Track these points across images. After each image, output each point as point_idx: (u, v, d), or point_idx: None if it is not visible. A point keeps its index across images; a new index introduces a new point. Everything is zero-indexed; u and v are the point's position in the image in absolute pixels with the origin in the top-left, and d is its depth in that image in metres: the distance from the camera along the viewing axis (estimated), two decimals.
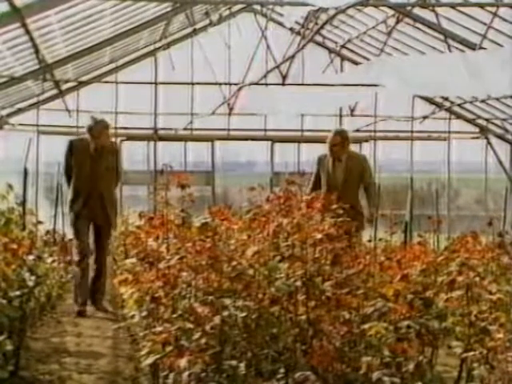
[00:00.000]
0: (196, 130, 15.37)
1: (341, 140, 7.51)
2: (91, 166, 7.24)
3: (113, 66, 14.64)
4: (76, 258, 7.25)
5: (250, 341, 3.27)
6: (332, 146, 7.52)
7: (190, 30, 14.37)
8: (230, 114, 14.78)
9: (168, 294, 3.19)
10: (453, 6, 9.31)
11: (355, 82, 10.89)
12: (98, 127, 7.25)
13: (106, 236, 7.45)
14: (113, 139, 7.85)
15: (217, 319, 2.95)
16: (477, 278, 3.59)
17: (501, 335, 3.12)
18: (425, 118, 14.84)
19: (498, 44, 9.88)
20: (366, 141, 15.75)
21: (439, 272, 3.89)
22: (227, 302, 3.18)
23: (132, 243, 3.92)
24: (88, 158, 7.25)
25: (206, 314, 2.95)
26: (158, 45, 14.66)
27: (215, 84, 13.91)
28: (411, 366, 3.00)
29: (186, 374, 2.35)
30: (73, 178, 7.33)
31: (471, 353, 3.14)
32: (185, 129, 15.05)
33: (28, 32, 9.32)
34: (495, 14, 8.87)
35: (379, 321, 3.25)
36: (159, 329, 2.75)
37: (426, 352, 3.57)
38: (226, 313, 3.05)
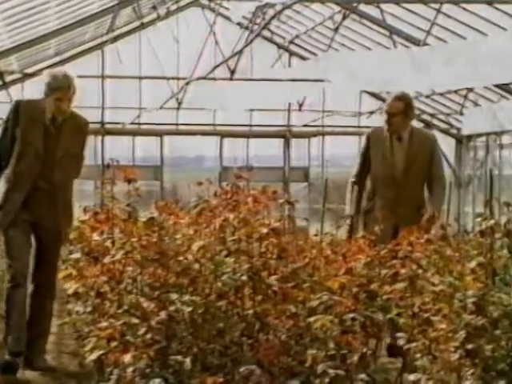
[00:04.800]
0: (144, 124, 15.26)
1: (404, 107, 5.38)
2: (44, 144, 4.80)
3: (58, 58, 14.44)
4: (8, 284, 4.78)
5: (197, 335, 3.28)
6: (391, 117, 5.37)
7: (137, 23, 14.26)
8: (178, 109, 14.72)
9: (113, 289, 3.17)
10: (398, 3, 9.44)
11: (303, 77, 10.97)
12: (62, 83, 4.86)
13: (55, 254, 4.83)
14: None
15: (163, 314, 2.95)
16: (420, 271, 3.65)
17: (443, 326, 3.18)
18: (371, 113, 15.01)
19: (442, 40, 10.06)
20: (315, 136, 15.86)
21: (383, 265, 3.95)
22: (173, 296, 3.18)
23: (76, 238, 3.88)
24: (40, 131, 4.81)
25: (152, 309, 2.94)
26: (104, 38, 14.51)
27: (163, 78, 13.84)
28: (355, 358, 3.05)
29: (130, 369, 2.34)
30: (11, 159, 4.81)
31: (414, 344, 3.20)
32: (133, 123, 14.94)
33: None
34: (439, 11, 9.02)
35: (325, 314, 3.29)
36: (104, 324, 2.73)
37: (371, 344, 3.62)
38: (172, 308, 3.05)
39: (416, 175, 5.36)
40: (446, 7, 9.04)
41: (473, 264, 3.34)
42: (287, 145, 15.85)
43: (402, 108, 5.38)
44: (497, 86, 10.87)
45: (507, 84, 10.31)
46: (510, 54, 6.58)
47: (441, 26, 9.85)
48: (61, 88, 4.84)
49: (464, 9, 9.40)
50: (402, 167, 5.33)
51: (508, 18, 8.91)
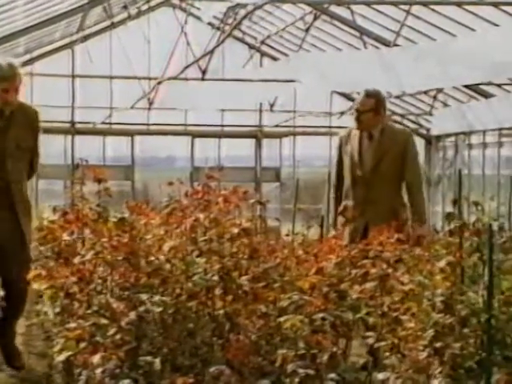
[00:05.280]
0: (115, 124, 15.18)
1: (375, 104, 5.12)
2: None
3: (28, 56, 14.30)
4: None
5: (167, 336, 3.27)
6: (360, 114, 5.11)
7: (108, 23, 14.18)
8: (149, 109, 14.66)
9: (83, 290, 3.15)
10: (368, 4, 9.50)
11: (274, 78, 10.98)
12: (7, 73, 4.43)
13: (19, 261, 4.30)
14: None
15: (132, 315, 2.93)
16: (389, 270, 3.68)
17: (412, 325, 3.21)
18: (342, 113, 15.08)
19: (412, 41, 10.14)
20: (286, 136, 15.90)
21: (354, 265, 3.97)
22: (144, 297, 3.17)
23: (46, 238, 3.85)
24: None
25: (122, 309, 2.93)
26: (75, 37, 14.40)
27: (134, 78, 13.77)
28: (325, 358, 3.06)
29: (99, 370, 2.33)
30: None
31: (383, 342, 3.22)
32: (103, 123, 14.85)
33: None
34: (408, 12, 9.09)
35: (295, 314, 3.30)
36: (73, 325, 2.72)
37: (340, 343, 3.64)
38: (142, 308, 3.04)
39: (387, 174, 5.09)
40: (415, 8, 9.11)
41: (442, 263, 3.38)
42: (259, 145, 15.87)
43: (372, 105, 5.12)
44: (466, 86, 10.99)
45: (476, 84, 10.43)
46: (479, 54, 6.66)
47: (410, 27, 9.93)
48: (6, 78, 4.41)
49: (433, 10, 9.48)
50: (370, 166, 5.09)
51: (476, 19, 9.00)
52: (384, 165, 5.09)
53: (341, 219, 5.15)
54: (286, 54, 13.94)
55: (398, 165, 5.10)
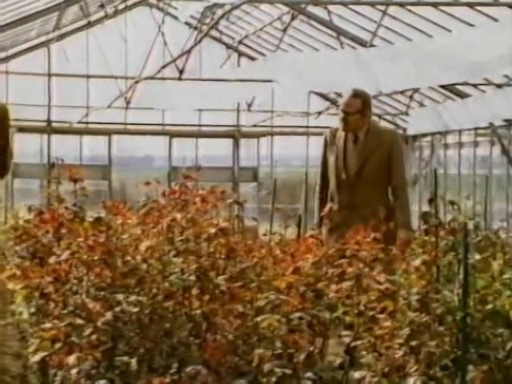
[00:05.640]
0: (92, 123, 15.10)
1: (361, 106, 4.93)
2: None
3: (4, 54, 14.19)
4: None
5: (144, 336, 3.26)
6: (347, 116, 4.92)
7: (84, 22, 14.11)
8: (126, 108, 14.61)
9: (58, 290, 3.13)
10: (345, 4, 9.53)
11: (252, 78, 10.98)
12: None
13: None
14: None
15: (108, 315, 2.92)
16: (366, 269, 3.69)
17: (388, 323, 3.23)
18: (319, 113, 15.14)
19: (388, 41, 10.19)
20: (263, 136, 15.92)
21: (330, 264, 3.98)
22: (120, 297, 3.15)
23: (21, 238, 3.82)
24: None
25: (98, 309, 2.92)
26: (51, 36, 14.31)
27: (111, 77, 13.71)
28: (302, 357, 3.07)
29: (74, 370, 2.32)
30: None
31: (360, 341, 3.23)
32: (80, 122, 14.77)
33: None
34: (385, 12, 9.14)
35: (272, 313, 3.30)
36: (48, 325, 2.70)
37: (317, 342, 3.65)
38: (118, 308, 3.02)
39: (372, 178, 4.90)
40: (391, 9, 9.17)
41: (417, 262, 3.40)
42: (236, 145, 15.87)
43: (359, 106, 4.91)
44: (441, 86, 11.07)
45: (452, 84, 10.51)
46: (455, 55, 6.72)
47: (387, 28, 9.98)
48: None
49: (409, 11, 9.54)
50: (355, 170, 4.92)
51: (452, 20, 9.07)
52: (368, 168, 4.92)
53: (326, 222, 4.98)
54: (263, 54, 13.95)
55: (383, 167, 4.93)
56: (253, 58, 14.62)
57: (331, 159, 5.00)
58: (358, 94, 4.99)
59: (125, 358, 2.83)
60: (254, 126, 15.59)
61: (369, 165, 4.91)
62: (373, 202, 4.81)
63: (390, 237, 4.30)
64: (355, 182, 4.92)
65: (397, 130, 15.15)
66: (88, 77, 14.77)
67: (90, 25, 14.08)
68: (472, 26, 8.44)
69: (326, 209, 4.92)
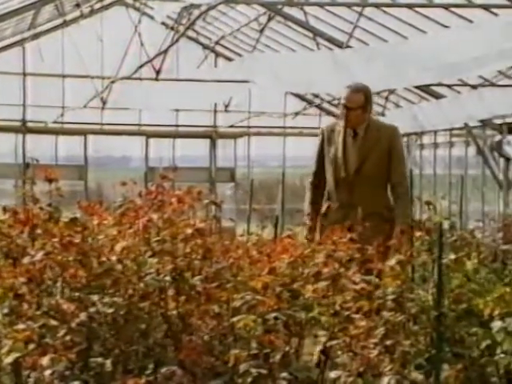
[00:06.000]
0: (67, 123, 15.01)
1: (364, 101, 4.76)
2: None
3: None
4: None
5: (119, 337, 3.24)
6: (349, 111, 4.74)
7: (60, 21, 14.02)
8: (103, 108, 14.54)
9: (32, 291, 3.11)
10: (321, 5, 9.57)
11: (229, 78, 10.97)
12: None
13: None
14: None
15: (83, 316, 2.90)
16: (342, 269, 3.71)
17: (363, 323, 3.24)
18: (296, 114, 15.18)
19: (364, 42, 10.24)
20: (241, 136, 15.92)
21: (307, 264, 3.99)
22: (95, 298, 3.14)
23: None
24: None
25: (73, 310, 2.90)
26: (26, 35, 14.20)
27: (87, 77, 13.64)
28: (278, 357, 3.07)
29: (48, 372, 2.30)
30: None
31: (335, 341, 3.25)
32: (56, 122, 14.67)
33: None
34: (361, 14, 9.19)
35: (248, 313, 3.31)
36: (22, 326, 2.68)
37: (293, 342, 3.66)
38: (93, 309, 3.01)
39: (372, 175, 4.71)
40: (367, 10, 9.21)
41: (392, 262, 3.42)
42: (213, 145, 15.86)
43: (361, 101, 4.72)
44: (417, 87, 11.14)
45: (427, 85, 10.58)
46: (430, 56, 6.76)
47: (363, 29, 10.03)
48: None
49: (385, 12, 9.59)
50: (354, 167, 4.72)
51: (427, 22, 9.14)
52: (368, 165, 4.72)
53: (324, 220, 4.75)
54: (240, 55, 13.96)
55: (383, 164, 4.74)
56: (230, 59, 14.62)
57: (329, 156, 4.81)
58: (360, 89, 4.79)
59: (100, 359, 2.81)
60: (231, 126, 15.59)
61: (369, 162, 4.73)
62: (373, 200, 4.68)
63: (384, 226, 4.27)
64: (355, 180, 4.73)
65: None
66: (64, 76, 14.67)
67: (65, 24, 13.99)
68: (447, 27, 8.50)
69: (324, 208, 4.76)
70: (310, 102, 14.97)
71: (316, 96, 14.53)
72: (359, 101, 4.74)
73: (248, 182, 13.57)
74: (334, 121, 5.12)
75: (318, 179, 4.92)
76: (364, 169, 4.73)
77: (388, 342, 3.01)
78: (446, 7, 8.12)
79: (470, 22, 8.09)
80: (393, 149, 4.76)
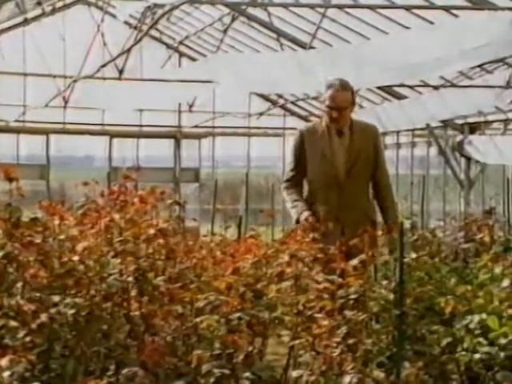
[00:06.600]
0: (29, 122, 14.83)
1: (352, 98, 4.60)
2: None
3: None
4: None
5: (81, 338, 3.21)
6: (342, 111, 4.54)
7: (21, 19, 13.84)
8: (65, 107, 14.40)
9: None
10: (284, 6, 9.59)
11: (193, 78, 10.94)
12: None
13: None
14: None
15: (44, 317, 2.87)
16: (305, 269, 3.72)
17: (326, 322, 3.26)
18: (261, 114, 15.19)
19: (327, 43, 10.29)
20: (205, 136, 15.89)
21: (270, 264, 4.00)
22: (56, 298, 3.10)
23: None
24: None
25: (33, 311, 2.86)
26: None
27: (49, 76, 13.50)
28: (241, 357, 3.07)
29: (7, 373, 2.27)
30: None
31: (298, 340, 3.26)
32: (17, 120, 14.48)
33: None
34: (324, 15, 9.23)
35: (211, 314, 3.30)
36: None
37: (257, 342, 3.66)
38: (53, 310, 2.97)
39: (360, 175, 4.59)
40: (330, 11, 9.25)
41: (354, 261, 3.44)
42: (178, 145, 15.80)
43: (350, 99, 4.54)
44: (379, 88, 11.23)
45: (389, 86, 10.67)
46: (392, 57, 6.82)
47: (326, 30, 10.08)
48: None
49: (348, 13, 9.65)
50: (345, 167, 4.57)
51: (389, 22, 9.22)
52: (359, 165, 4.59)
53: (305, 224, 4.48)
54: (204, 55, 13.93)
55: (370, 164, 4.63)
56: (194, 59, 14.58)
57: (315, 158, 4.59)
58: (346, 86, 4.57)
59: (61, 361, 2.78)
60: (196, 126, 15.55)
61: (359, 162, 4.58)
62: (362, 202, 4.61)
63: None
64: (346, 180, 4.57)
65: None
66: (25, 75, 14.49)
67: (26, 22, 13.83)
68: (408, 28, 8.59)
69: (306, 214, 4.50)
70: (274, 103, 15.00)
71: (280, 96, 14.57)
72: (348, 99, 4.56)
73: (212, 182, 13.58)
74: (310, 122, 4.78)
75: (296, 181, 4.72)
76: (354, 170, 4.58)
77: (350, 341, 3.03)
78: (407, 8, 8.20)
79: (431, 23, 8.18)
80: (378, 148, 4.69)
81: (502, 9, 5.75)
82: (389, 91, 11.54)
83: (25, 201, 3.64)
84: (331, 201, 4.58)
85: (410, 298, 3.50)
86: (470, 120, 11.40)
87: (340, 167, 4.57)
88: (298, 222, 4.59)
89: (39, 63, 13.62)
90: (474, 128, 11.55)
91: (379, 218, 4.69)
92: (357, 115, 5.12)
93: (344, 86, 4.54)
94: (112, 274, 3.51)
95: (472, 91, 9.75)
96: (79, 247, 3.54)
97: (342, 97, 4.51)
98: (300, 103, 14.68)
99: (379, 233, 4.11)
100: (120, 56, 10.41)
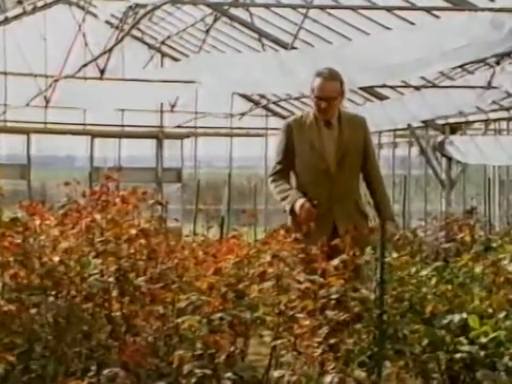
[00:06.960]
0: (10, 121, 14.73)
1: (340, 87, 4.45)
2: None
3: None
4: None
5: (61, 339, 3.20)
6: (331, 101, 4.41)
7: (1, 17, 13.75)
8: (46, 107, 14.32)
9: None
10: (266, 7, 9.59)
11: (175, 78, 10.92)
12: None
13: None
14: None
15: (24, 317, 2.85)
16: (286, 269, 3.72)
17: (307, 322, 3.27)
18: (243, 114, 15.19)
19: (309, 44, 10.31)
20: (188, 137, 15.87)
21: (252, 264, 4.00)
22: (37, 299, 3.09)
23: None
24: None
25: (13, 312, 2.85)
26: None
27: (30, 75, 13.42)
28: (223, 357, 3.07)
29: None
30: None
31: (279, 341, 3.26)
32: None
33: None
34: (306, 15, 9.24)
35: (193, 314, 3.30)
36: None
37: (238, 342, 3.66)
38: (34, 311, 2.96)
39: (351, 167, 4.46)
40: (312, 12, 9.27)
41: (336, 261, 3.45)
42: (160, 145, 15.77)
43: (340, 89, 4.40)
44: (361, 88, 11.26)
45: (370, 87, 10.70)
46: (373, 57, 6.84)
47: (308, 31, 10.10)
48: None
49: (329, 14, 9.67)
50: (335, 159, 4.42)
51: (370, 23, 9.25)
52: (349, 157, 4.45)
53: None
54: (186, 55, 13.91)
55: (360, 156, 4.49)
56: (176, 59, 14.55)
57: (304, 150, 4.44)
58: (335, 76, 4.43)
59: (41, 361, 2.77)
60: (178, 126, 15.52)
61: (349, 153, 4.44)
62: (353, 194, 4.50)
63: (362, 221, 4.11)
64: (337, 172, 4.44)
65: None
66: (6, 74, 14.39)
67: (7, 21, 13.74)
68: (389, 29, 8.62)
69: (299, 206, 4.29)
70: (256, 103, 15.00)
71: (262, 97, 14.58)
72: (337, 89, 4.40)
73: (195, 182, 13.56)
74: (297, 114, 4.69)
75: (283, 174, 4.55)
76: (345, 161, 4.45)
77: (332, 341, 3.04)
78: (388, 9, 8.24)
79: (412, 24, 8.22)
80: (367, 140, 4.56)
81: (483, 9, 5.78)
82: (370, 92, 11.58)
83: (5, 200, 3.62)
84: (322, 193, 4.46)
85: (391, 297, 3.51)
86: (451, 120, 11.46)
87: (330, 159, 4.44)
88: (291, 211, 4.42)
89: (20, 62, 13.53)
90: (455, 128, 11.62)
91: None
92: None
93: (333, 76, 4.42)
94: (93, 275, 3.49)
95: (453, 92, 9.81)
96: (60, 247, 3.52)
97: (331, 87, 4.39)
98: (282, 103, 14.69)
99: (372, 228, 4.05)
100: (101, 56, 10.37)
